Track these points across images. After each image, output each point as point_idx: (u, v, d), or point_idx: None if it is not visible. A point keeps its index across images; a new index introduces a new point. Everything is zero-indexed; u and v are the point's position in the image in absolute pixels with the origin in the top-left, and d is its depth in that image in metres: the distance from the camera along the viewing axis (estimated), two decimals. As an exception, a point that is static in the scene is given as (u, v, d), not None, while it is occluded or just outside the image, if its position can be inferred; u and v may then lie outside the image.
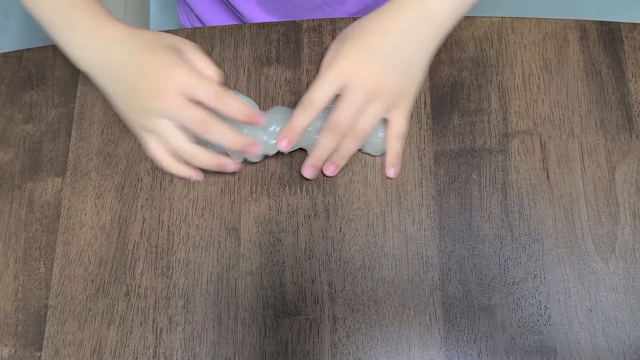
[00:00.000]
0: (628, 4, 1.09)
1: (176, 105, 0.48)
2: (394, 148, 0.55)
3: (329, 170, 0.55)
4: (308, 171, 0.54)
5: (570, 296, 0.51)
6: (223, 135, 0.50)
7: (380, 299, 0.52)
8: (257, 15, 0.72)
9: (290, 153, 0.56)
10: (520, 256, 0.52)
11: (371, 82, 0.51)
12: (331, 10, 0.73)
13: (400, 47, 0.52)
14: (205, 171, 0.55)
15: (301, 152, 0.56)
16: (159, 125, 0.50)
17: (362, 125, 0.52)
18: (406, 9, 0.52)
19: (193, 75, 0.49)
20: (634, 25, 0.59)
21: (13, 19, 1.22)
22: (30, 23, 1.19)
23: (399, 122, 0.54)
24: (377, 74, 0.51)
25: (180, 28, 0.62)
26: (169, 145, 0.52)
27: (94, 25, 0.52)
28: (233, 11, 0.75)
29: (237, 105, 0.49)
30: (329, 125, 0.52)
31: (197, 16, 0.80)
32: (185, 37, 0.60)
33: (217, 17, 0.78)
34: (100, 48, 0.52)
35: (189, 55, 0.52)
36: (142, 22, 1.06)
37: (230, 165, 0.53)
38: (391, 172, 0.55)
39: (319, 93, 0.51)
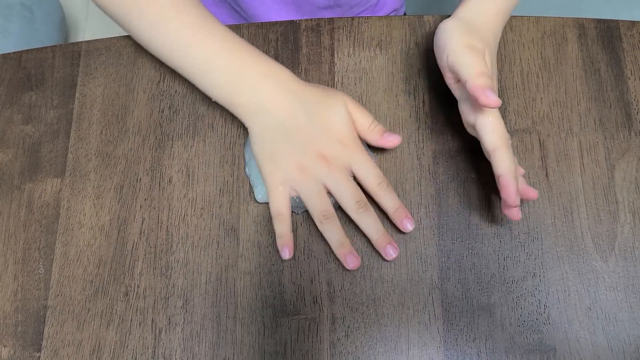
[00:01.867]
0: (628, 2, 1.09)
1: (340, 174, 0.52)
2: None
3: (531, 195, 0.52)
4: (515, 214, 0.49)
5: (569, 295, 0.51)
6: (369, 220, 0.52)
7: (379, 298, 0.52)
8: (267, 10, 0.72)
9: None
10: (519, 255, 0.52)
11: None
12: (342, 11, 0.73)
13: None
14: (204, 171, 0.56)
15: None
16: (310, 183, 0.52)
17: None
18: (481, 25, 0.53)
19: (362, 148, 0.53)
20: (633, 23, 0.58)
21: (14, 21, 1.22)
22: (32, 25, 1.20)
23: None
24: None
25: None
26: (308, 203, 0.52)
27: (267, 67, 0.53)
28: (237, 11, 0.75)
29: (390, 192, 0.53)
30: (506, 144, 0.49)
31: None
32: (183, 38, 0.61)
33: (221, 18, 0.78)
34: (274, 92, 0.52)
35: (354, 114, 0.53)
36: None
37: (352, 261, 0.52)
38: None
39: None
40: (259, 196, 0.54)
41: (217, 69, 0.52)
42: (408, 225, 0.52)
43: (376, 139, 0.53)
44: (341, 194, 0.52)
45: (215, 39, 0.53)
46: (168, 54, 0.54)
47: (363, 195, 0.52)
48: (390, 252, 0.52)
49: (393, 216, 0.52)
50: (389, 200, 0.52)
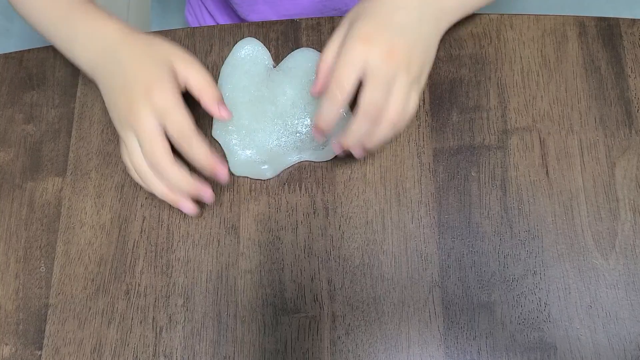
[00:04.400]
0: (629, 1, 1.09)
1: (143, 129, 0.49)
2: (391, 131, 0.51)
3: (358, 153, 0.52)
4: (336, 148, 0.52)
5: (570, 292, 0.51)
6: (178, 179, 0.50)
7: (379, 297, 0.52)
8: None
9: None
10: (519, 253, 0.52)
11: (392, 60, 0.48)
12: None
13: (413, 23, 0.50)
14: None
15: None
16: (128, 137, 0.51)
17: (394, 106, 0.49)
18: None
19: (170, 103, 0.49)
20: (633, 20, 0.58)
21: (16, 22, 1.22)
22: (33, 25, 1.20)
23: (414, 102, 0.51)
24: (395, 49, 0.48)
25: (181, 28, 0.62)
26: (130, 159, 0.51)
27: (94, 28, 0.53)
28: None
29: (201, 151, 0.49)
30: (361, 110, 0.48)
31: (209, 12, 0.80)
32: (184, 37, 0.61)
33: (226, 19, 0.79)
34: (98, 53, 0.53)
35: (183, 71, 0.51)
36: (143, 21, 1.06)
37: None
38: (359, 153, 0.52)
39: (344, 82, 0.48)
40: (233, 169, 0.55)
41: (60, 34, 0.56)
42: (222, 175, 0.50)
43: (208, 103, 0.51)
44: (142, 149, 0.50)
45: (63, 4, 0.55)
46: (30, 19, 0.59)
47: (163, 153, 0.49)
48: (207, 195, 0.51)
49: (203, 169, 0.51)
50: (196, 150, 0.49)
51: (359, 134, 0.49)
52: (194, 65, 0.51)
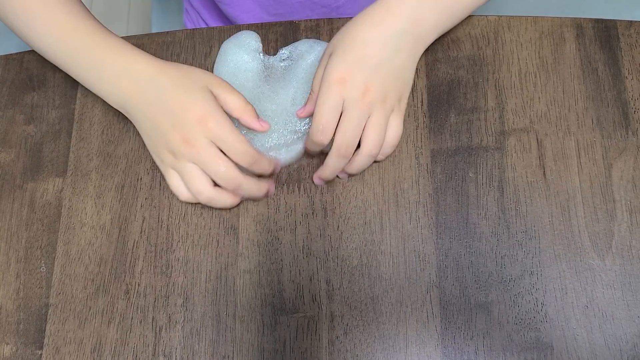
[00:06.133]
0: (629, 2, 1.09)
1: (207, 157, 0.51)
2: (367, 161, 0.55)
3: (341, 176, 0.55)
4: (317, 181, 0.56)
5: (566, 293, 0.51)
6: (250, 189, 0.53)
7: (377, 297, 0.52)
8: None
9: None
10: (516, 253, 0.53)
11: (367, 98, 0.52)
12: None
13: (389, 56, 0.52)
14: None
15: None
16: (185, 167, 0.52)
17: (369, 140, 0.53)
18: (390, 13, 0.53)
19: (227, 129, 0.51)
20: (630, 22, 0.59)
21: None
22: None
23: (396, 128, 0.55)
24: (370, 88, 0.52)
25: (181, 29, 0.62)
26: (189, 187, 0.53)
27: (124, 63, 0.53)
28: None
29: (267, 167, 0.54)
30: (334, 150, 0.52)
31: (203, 20, 0.81)
32: (184, 38, 0.61)
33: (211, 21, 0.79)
34: (131, 86, 0.53)
35: (221, 94, 0.53)
36: (144, 24, 1.06)
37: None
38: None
39: (325, 117, 0.52)
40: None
41: (81, 67, 0.55)
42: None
43: (250, 122, 0.53)
44: (212, 175, 0.52)
45: (76, 36, 0.54)
46: (42, 50, 0.57)
47: (235, 171, 0.52)
48: (272, 189, 0.55)
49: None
50: (260, 170, 0.54)
51: (335, 169, 0.54)
52: (229, 88, 0.53)
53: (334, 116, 0.52)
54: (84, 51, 0.54)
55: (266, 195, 0.55)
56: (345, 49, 0.52)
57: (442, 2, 0.54)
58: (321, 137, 0.52)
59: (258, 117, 0.53)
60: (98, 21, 0.56)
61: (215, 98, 0.52)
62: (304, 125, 0.56)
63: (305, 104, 0.55)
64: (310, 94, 0.55)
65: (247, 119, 0.53)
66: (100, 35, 0.55)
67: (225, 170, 0.51)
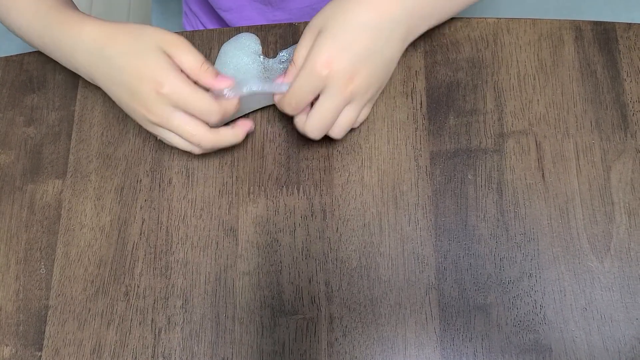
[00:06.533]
0: (628, 4, 1.09)
1: (175, 125, 0.50)
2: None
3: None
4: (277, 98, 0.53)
5: (565, 295, 0.52)
6: (229, 141, 0.53)
7: (376, 299, 0.52)
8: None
9: (287, 155, 0.56)
10: (515, 255, 0.53)
11: (350, 85, 0.49)
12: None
13: (379, 47, 0.50)
14: (204, 173, 0.56)
15: (297, 154, 0.56)
16: (165, 133, 0.52)
17: (341, 126, 0.52)
18: None
19: (184, 91, 0.49)
20: (629, 25, 0.59)
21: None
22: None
23: (365, 115, 0.54)
24: (355, 77, 0.49)
25: (180, 31, 0.63)
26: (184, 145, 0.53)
27: (75, 37, 0.52)
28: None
29: (233, 109, 0.52)
30: (307, 128, 0.51)
31: (202, 24, 0.81)
32: (183, 40, 0.61)
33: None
34: (87, 59, 0.52)
35: (175, 55, 0.50)
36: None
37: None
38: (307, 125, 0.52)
39: (300, 97, 0.50)
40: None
41: (49, 47, 0.55)
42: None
43: (209, 82, 0.50)
44: (187, 140, 0.51)
45: (37, 18, 0.55)
46: (26, 40, 0.58)
47: (206, 133, 0.51)
48: (250, 128, 0.54)
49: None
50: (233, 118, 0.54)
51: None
52: (183, 46, 0.50)
53: (310, 97, 0.50)
54: (46, 31, 0.54)
55: (246, 134, 0.54)
56: (335, 31, 0.49)
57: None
58: (290, 110, 0.51)
59: (217, 74, 0.51)
60: None
61: (171, 58, 0.50)
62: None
63: (285, 74, 0.52)
64: (291, 64, 0.52)
65: (205, 80, 0.50)
66: (56, 12, 0.54)
67: (196, 134, 0.50)
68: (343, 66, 0.49)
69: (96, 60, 0.52)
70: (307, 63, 0.49)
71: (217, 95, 0.51)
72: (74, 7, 0.56)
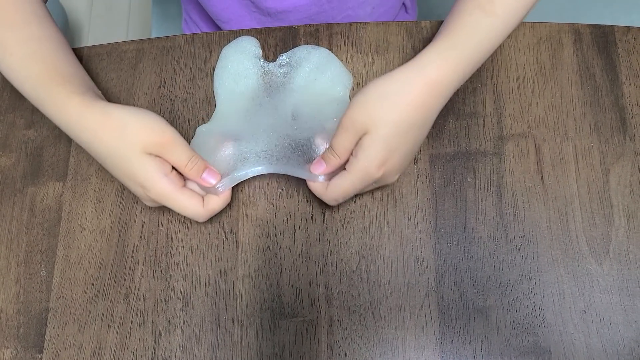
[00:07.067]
0: (627, 7, 1.10)
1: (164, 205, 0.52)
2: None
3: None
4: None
5: (564, 297, 0.52)
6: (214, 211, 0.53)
7: (376, 301, 0.53)
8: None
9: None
10: (514, 258, 0.53)
11: (382, 169, 0.49)
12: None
13: (423, 135, 0.51)
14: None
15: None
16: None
17: (345, 196, 0.52)
18: (433, 96, 0.49)
19: (166, 195, 0.50)
20: (628, 28, 0.59)
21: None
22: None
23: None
24: (396, 165, 0.50)
25: (180, 34, 0.63)
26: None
27: (66, 122, 0.51)
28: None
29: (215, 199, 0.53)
30: (325, 195, 0.52)
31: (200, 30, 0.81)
32: (184, 43, 0.62)
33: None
34: (79, 139, 0.52)
35: (162, 154, 0.50)
36: (144, 28, 1.07)
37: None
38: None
39: (349, 195, 0.51)
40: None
41: (44, 113, 0.53)
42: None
43: (197, 180, 0.52)
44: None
45: (30, 87, 0.52)
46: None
47: (193, 214, 0.52)
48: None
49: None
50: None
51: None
52: (169, 145, 0.50)
53: (355, 193, 0.52)
54: (37, 102, 0.53)
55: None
56: (388, 134, 0.48)
57: (476, 62, 0.51)
58: (332, 203, 0.53)
59: (205, 169, 0.52)
60: (52, 53, 0.54)
61: (160, 156, 0.50)
62: (293, 152, 0.54)
63: (324, 161, 0.52)
64: (329, 151, 0.51)
65: (193, 179, 0.52)
66: (46, 88, 0.52)
67: (189, 214, 0.51)
68: (393, 166, 0.50)
69: (87, 146, 0.52)
70: (361, 166, 0.49)
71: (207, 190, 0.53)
72: (63, 77, 0.53)
